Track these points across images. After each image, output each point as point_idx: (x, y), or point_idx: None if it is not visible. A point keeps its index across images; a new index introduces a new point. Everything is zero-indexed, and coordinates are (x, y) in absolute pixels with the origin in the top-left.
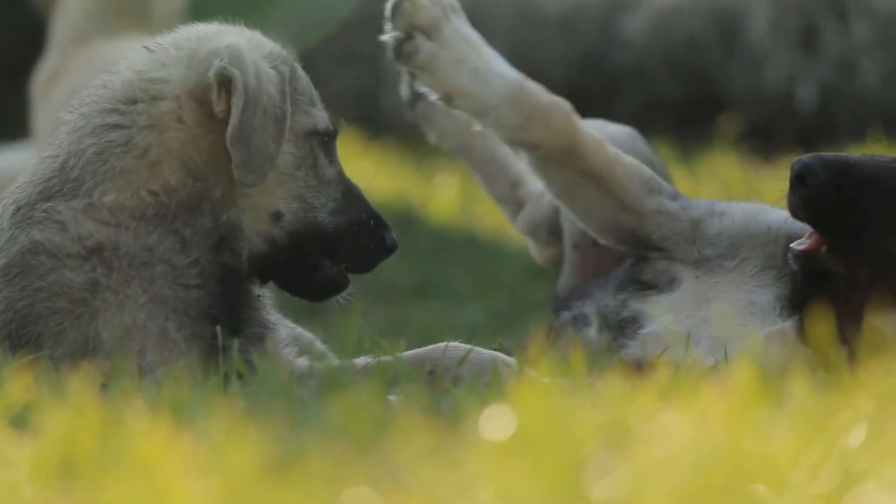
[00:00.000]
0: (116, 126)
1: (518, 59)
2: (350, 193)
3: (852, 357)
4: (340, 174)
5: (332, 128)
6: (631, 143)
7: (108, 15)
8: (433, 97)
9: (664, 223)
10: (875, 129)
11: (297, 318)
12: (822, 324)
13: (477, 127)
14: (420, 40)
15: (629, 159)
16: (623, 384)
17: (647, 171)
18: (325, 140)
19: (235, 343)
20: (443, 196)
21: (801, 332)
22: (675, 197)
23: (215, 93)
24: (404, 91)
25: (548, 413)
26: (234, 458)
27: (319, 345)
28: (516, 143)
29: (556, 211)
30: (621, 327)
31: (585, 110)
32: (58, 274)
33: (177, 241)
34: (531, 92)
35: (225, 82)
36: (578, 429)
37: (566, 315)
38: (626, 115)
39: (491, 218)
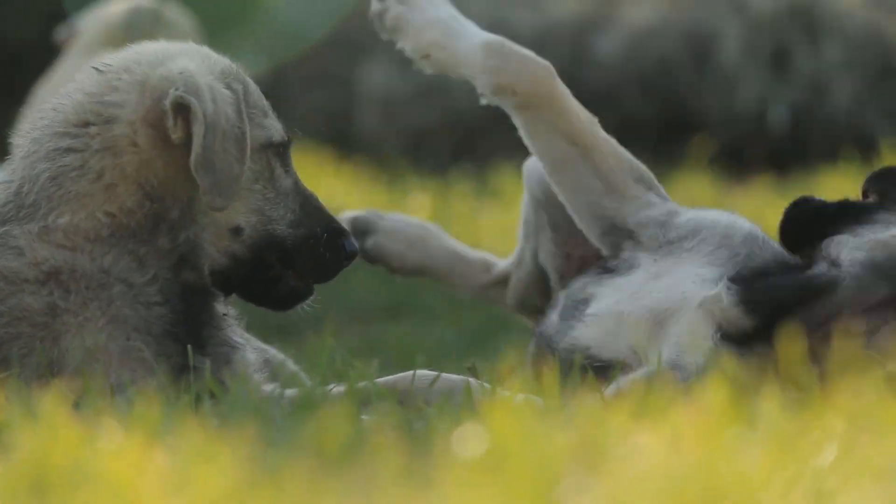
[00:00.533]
0: (70, 150)
1: None
2: (308, 204)
3: (823, 377)
4: (297, 184)
5: (286, 138)
6: None
7: (118, 41)
8: (412, 56)
9: (642, 208)
10: (846, 149)
11: (269, 339)
12: (793, 344)
13: None
14: (390, 3)
15: (620, 148)
16: (596, 404)
17: (640, 165)
18: (280, 151)
19: (207, 362)
20: (415, 215)
21: (739, 302)
22: (663, 197)
23: (171, 120)
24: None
25: (520, 432)
26: (207, 476)
27: (291, 365)
28: (496, 88)
29: (535, 261)
30: (574, 308)
31: None
32: (17, 299)
33: (133, 261)
34: (506, 42)
35: (182, 110)
36: (551, 448)
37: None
38: None
39: (463, 238)
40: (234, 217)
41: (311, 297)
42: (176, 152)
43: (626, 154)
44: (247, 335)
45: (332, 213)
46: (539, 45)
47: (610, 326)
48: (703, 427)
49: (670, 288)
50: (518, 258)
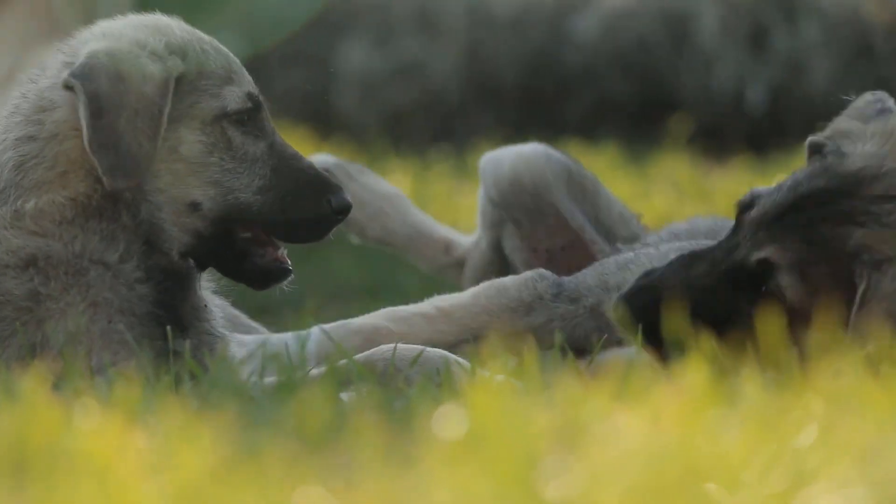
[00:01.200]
0: (30, 138)
1: (469, 61)
2: (282, 166)
3: (803, 358)
4: (271, 147)
5: (249, 104)
6: (545, 158)
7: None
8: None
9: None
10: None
11: (250, 317)
12: (773, 325)
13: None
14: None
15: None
16: (576, 384)
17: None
18: (241, 118)
19: (187, 343)
20: None
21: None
22: (564, 293)
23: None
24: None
25: (501, 412)
26: (187, 456)
27: (274, 338)
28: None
29: (495, 248)
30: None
31: (536, 111)
32: (1, 282)
33: (102, 240)
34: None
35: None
36: (532, 428)
37: None
38: (577, 116)
39: (441, 218)
40: (190, 192)
41: (290, 277)
42: None
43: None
44: (235, 311)
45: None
46: (517, 26)
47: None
48: (684, 407)
49: None
50: (475, 244)
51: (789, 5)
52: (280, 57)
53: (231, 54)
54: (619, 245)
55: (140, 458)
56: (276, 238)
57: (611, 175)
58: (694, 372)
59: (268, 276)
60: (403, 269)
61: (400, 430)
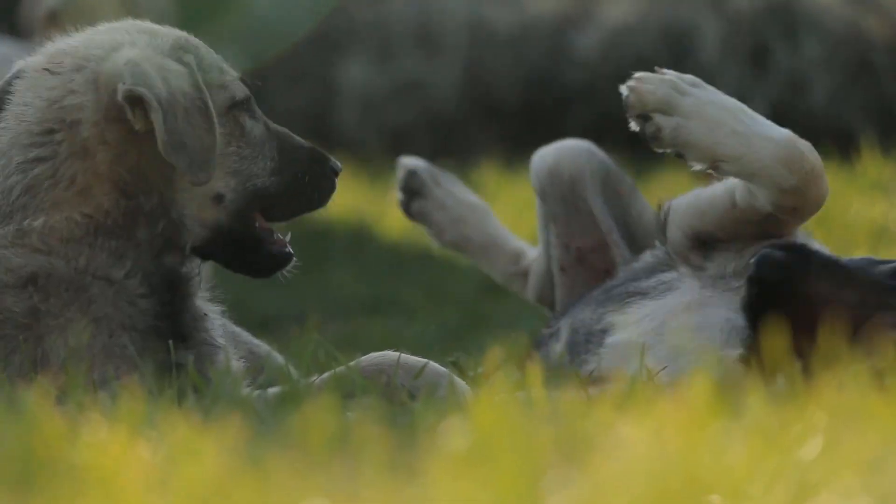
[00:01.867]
0: (39, 160)
1: (469, 78)
2: (284, 144)
3: (807, 370)
4: (268, 127)
5: (248, 91)
6: (588, 154)
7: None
8: (699, 167)
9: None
10: (825, 147)
11: (252, 334)
12: (777, 337)
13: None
14: (659, 119)
15: None
16: (580, 397)
17: None
18: (246, 105)
19: (191, 357)
20: (396, 212)
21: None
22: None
23: (129, 112)
24: (398, 194)
25: (505, 426)
26: (191, 469)
27: (277, 357)
28: (778, 206)
29: (546, 254)
30: (587, 341)
31: (537, 127)
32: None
33: (109, 256)
34: (804, 152)
35: (136, 101)
36: (535, 441)
37: (545, 333)
38: (578, 133)
39: None
40: (213, 185)
41: (292, 263)
42: (145, 139)
43: None
44: (236, 328)
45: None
46: (517, 42)
47: (629, 355)
48: (687, 420)
49: (698, 327)
50: (539, 252)
51: (790, 22)
52: (281, 75)
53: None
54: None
55: (144, 472)
56: (289, 217)
57: None
58: (697, 385)
59: (278, 262)
60: (406, 285)
61: (404, 442)
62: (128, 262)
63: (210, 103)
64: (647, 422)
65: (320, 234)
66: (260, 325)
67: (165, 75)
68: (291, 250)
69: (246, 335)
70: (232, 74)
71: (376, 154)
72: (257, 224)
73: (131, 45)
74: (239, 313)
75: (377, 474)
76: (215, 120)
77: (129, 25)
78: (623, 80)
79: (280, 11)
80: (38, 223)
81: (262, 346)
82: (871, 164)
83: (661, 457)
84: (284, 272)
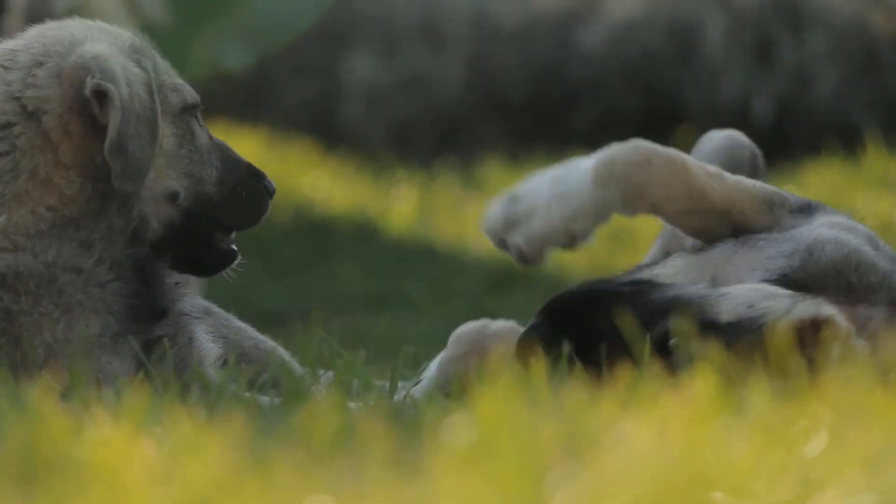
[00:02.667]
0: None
1: (475, 72)
2: (226, 156)
3: (812, 367)
4: (211, 138)
5: (198, 98)
6: (729, 147)
7: None
8: (582, 244)
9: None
10: (830, 141)
11: (258, 329)
12: (782, 334)
13: None
14: (512, 238)
15: (749, 183)
16: (583, 393)
17: (767, 189)
18: (195, 110)
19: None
20: (400, 207)
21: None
22: (800, 209)
23: (96, 107)
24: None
25: (509, 422)
26: (195, 466)
27: (282, 352)
28: (648, 212)
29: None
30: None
31: (542, 122)
32: None
33: (77, 247)
34: (612, 158)
35: (100, 96)
36: (539, 438)
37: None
38: (583, 128)
39: (449, 229)
40: (169, 183)
41: (237, 260)
42: (105, 133)
43: (754, 190)
44: (241, 324)
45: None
46: (523, 38)
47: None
48: (691, 416)
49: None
50: None
51: (795, 17)
52: (285, 69)
53: None
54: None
55: (148, 468)
56: (227, 227)
57: None
58: (701, 381)
59: (224, 259)
60: (411, 280)
61: (408, 439)
62: (95, 251)
63: (159, 116)
64: (650, 418)
65: (324, 229)
66: (264, 321)
67: (128, 76)
68: (235, 248)
69: (251, 330)
70: (181, 80)
71: (381, 149)
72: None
73: (94, 41)
74: (243, 308)
75: (381, 471)
76: (158, 134)
77: (82, 24)
78: (629, 75)
79: (284, 5)
80: (1, 220)
81: (267, 341)
82: (876, 158)
83: (665, 453)
84: (229, 270)
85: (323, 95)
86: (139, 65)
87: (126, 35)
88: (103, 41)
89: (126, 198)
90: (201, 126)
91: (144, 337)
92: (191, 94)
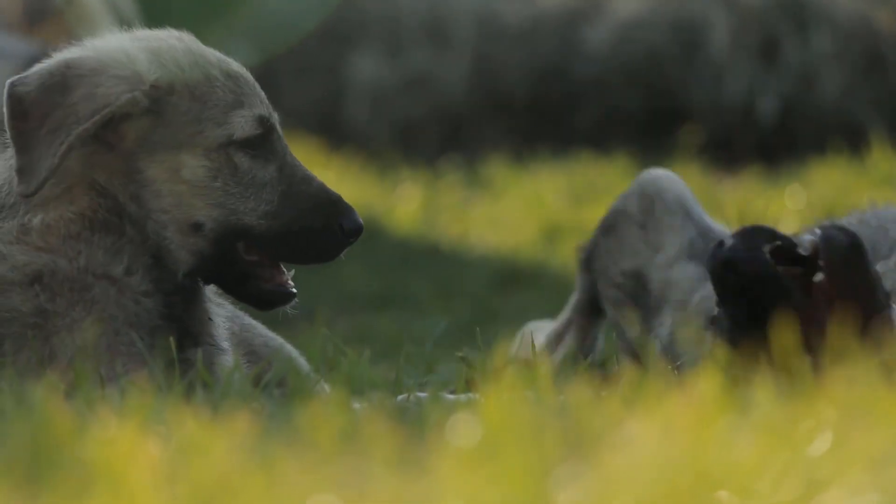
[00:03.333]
0: None
1: (479, 72)
2: (292, 192)
3: (816, 366)
4: (281, 170)
5: (259, 130)
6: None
7: None
8: None
9: None
10: (835, 140)
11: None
12: (786, 332)
13: None
14: None
15: None
16: (589, 392)
17: None
18: (249, 144)
19: (199, 352)
20: (405, 206)
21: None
22: None
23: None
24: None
25: (514, 421)
26: (200, 465)
27: (290, 349)
28: None
29: None
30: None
31: (546, 121)
32: (6, 299)
33: (106, 254)
34: None
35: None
36: (544, 437)
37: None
38: (588, 127)
39: (453, 227)
40: (193, 213)
41: (293, 301)
42: (109, 147)
43: None
44: (251, 321)
45: (331, 191)
46: (527, 37)
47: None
48: (696, 415)
49: None
50: None
51: (801, 16)
52: (290, 69)
53: (244, 72)
54: None
55: (153, 467)
56: (281, 261)
57: (621, 185)
58: (706, 380)
59: (270, 300)
60: (415, 279)
61: (413, 438)
62: (125, 257)
63: (75, 135)
64: (655, 417)
65: None
66: (269, 319)
67: (69, 86)
68: (292, 289)
69: (261, 327)
70: (248, 108)
71: (385, 148)
72: (253, 258)
73: (92, 49)
74: (247, 308)
75: (385, 470)
76: (65, 151)
77: (147, 37)
78: (634, 74)
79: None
80: (36, 220)
81: (276, 338)
82: (881, 158)
83: (670, 452)
84: (287, 309)
85: (328, 94)
86: (132, 90)
87: (172, 59)
88: (109, 52)
89: (135, 215)
90: (267, 159)
91: (170, 355)
92: (242, 128)
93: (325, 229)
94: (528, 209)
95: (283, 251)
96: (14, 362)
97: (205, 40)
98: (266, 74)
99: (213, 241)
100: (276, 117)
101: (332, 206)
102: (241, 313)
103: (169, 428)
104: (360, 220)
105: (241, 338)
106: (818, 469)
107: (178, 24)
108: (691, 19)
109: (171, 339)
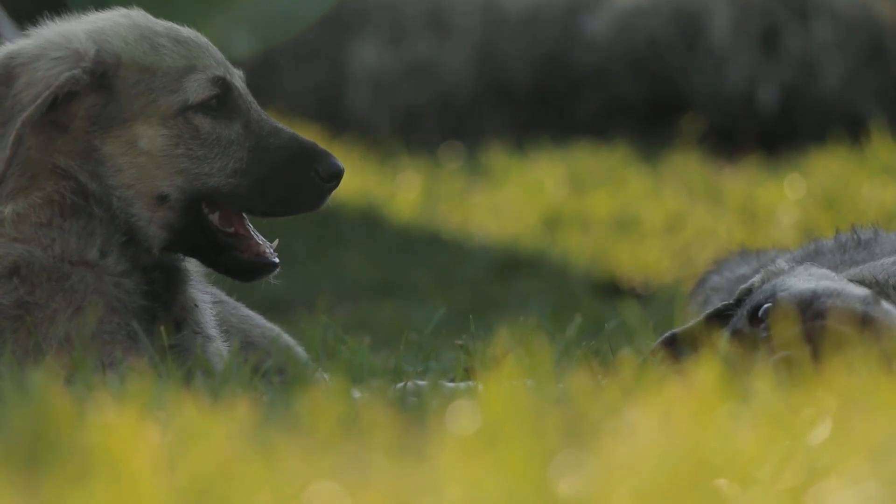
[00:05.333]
0: None
1: (481, 60)
2: (260, 146)
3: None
4: (246, 126)
5: (216, 90)
6: None
7: None
8: None
9: None
10: (836, 130)
11: (263, 315)
12: (787, 323)
13: None
14: None
15: None
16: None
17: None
18: (208, 105)
19: (198, 339)
20: (406, 194)
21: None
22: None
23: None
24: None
25: (514, 409)
26: (200, 452)
27: (288, 339)
28: None
29: None
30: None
31: (547, 110)
32: None
33: (79, 238)
34: None
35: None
36: (544, 425)
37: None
38: (589, 116)
39: (454, 216)
40: (157, 184)
41: (276, 270)
42: (59, 132)
43: None
44: (249, 312)
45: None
46: (529, 26)
47: None
48: (696, 404)
49: None
50: None
51: (801, 5)
52: (292, 56)
53: (196, 37)
54: None
55: (152, 453)
56: (261, 216)
57: (622, 174)
58: (706, 369)
59: (249, 269)
60: (415, 267)
61: (413, 425)
62: (97, 238)
63: (20, 121)
64: (655, 406)
65: (330, 216)
66: (269, 308)
67: (14, 76)
68: (273, 258)
69: (259, 319)
70: (201, 72)
71: (386, 136)
72: (231, 229)
73: (34, 38)
74: (248, 295)
75: (386, 458)
76: (13, 138)
77: (91, 19)
78: (634, 63)
79: None
80: (7, 211)
81: (274, 329)
82: (881, 147)
83: (670, 441)
84: (270, 279)
85: (329, 82)
86: (72, 71)
87: (115, 35)
88: (46, 38)
89: (98, 194)
90: (227, 118)
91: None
92: (197, 92)
93: (301, 178)
94: (529, 197)
95: (261, 205)
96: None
97: (205, 30)
98: (267, 61)
99: (181, 211)
100: (237, 74)
101: (305, 153)
102: (238, 304)
103: (168, 414)
104: (339, 164)
105: (238, 328)
106: (818, 457)
107: (178, 14)
108: (692, 8)
109: (163, 325)
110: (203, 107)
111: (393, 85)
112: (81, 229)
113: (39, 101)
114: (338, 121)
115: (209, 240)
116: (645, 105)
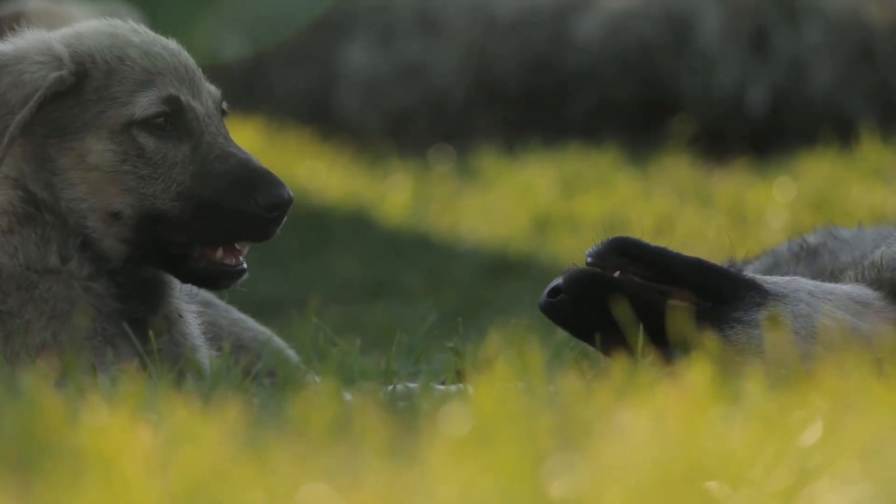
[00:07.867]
0: None
1: (471, 62)
2: (204, 170)
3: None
4: (195, 150)
5: (164, 108)
6: None
7: None
8: None
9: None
10: (825, 132)
11: (254, 317)
12: (778, 325)
13: None
14: None
15: None
16: (580, 382)
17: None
18: (155, 124)
19: (189, 342)
20: (395, 196)
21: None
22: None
23: None
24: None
25: (505, 411)
26: (191, 454)
27: (279, 341)
28: None
29: None
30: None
31: (538, 112)
32: None
33: (37, 245)
34: None
35: None
36: (536, 427)
37: None
38: (579, 117)
39: (444, 218)
40: (110, 201)
41: (243, 277)
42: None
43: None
44: (240, 314)
45: (256, 164)
46: (519, 27)
47: None
48: (688, 406)
49: None
50: None
51: (791, 8)
52: (282, 58)
53: (173, 53)
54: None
55: (144, 455)
56: (206, 243)
57: (612, 176)
58: (698, 370)
59: (210, 277)
60: (405, 269)
61: (405, 427)
62: (53, 245)
63: (14, 123)
64: (647, 407)
65: (320, 218)
66: (260, 309)
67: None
68: (238, 266)
69: (250, 321)
70: (156, 89)
71: (377, 138)
72: (183, 240)
73: (16, 42)
74: (238, 297)
75: (377, 459)
76: (7, 140)
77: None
78: (625, 65)
79: None
80: None
81: (265, 332)
82: (870, 150)
83: (662, 442)
84: (236, 285)
85: (320, 84)
86: (49, 73)
87: (89, 38)
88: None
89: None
90: (177, 138)
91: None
92: (143, 108)
93: (241, 206)
94: (519, 200)
95: (204, 232)
96: None
97: (196, 32)
98: (258, 63)
99: (134, 228)
100: (210, 96)
101: (249, 181)
102: (230, 307)
103: (160, 416)
104: (284, 194)
105: (229, 331)
106: (809, 459)
107: (170, 17)
108: (682, 10)
109: (151, 331)
110: (148, 125)
111: (383, 87)
112: (39, 237)
113: (32, 103)
114: (328, 123)
115: (167, 252)
116: (635, 107)
